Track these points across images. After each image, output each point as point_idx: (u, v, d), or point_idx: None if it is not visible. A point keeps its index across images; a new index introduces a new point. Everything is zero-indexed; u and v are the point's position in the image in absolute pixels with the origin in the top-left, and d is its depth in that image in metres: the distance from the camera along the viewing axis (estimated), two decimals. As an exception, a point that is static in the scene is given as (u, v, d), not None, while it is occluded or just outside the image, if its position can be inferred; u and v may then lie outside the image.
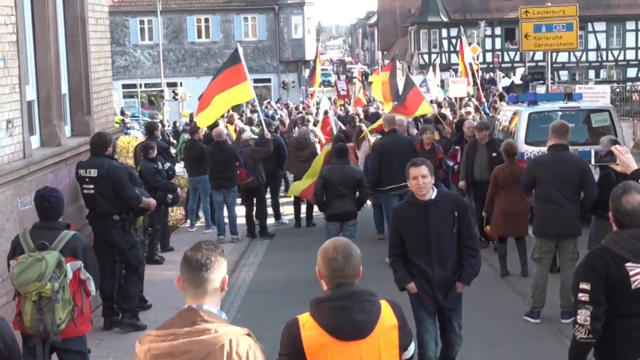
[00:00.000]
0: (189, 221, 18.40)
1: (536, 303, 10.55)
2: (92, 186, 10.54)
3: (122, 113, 38.90)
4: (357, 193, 13.32)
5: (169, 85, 51.99)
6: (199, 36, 59.99)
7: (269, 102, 42.59)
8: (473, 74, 31.27)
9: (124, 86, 55.78)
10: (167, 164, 14.92)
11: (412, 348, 4.73)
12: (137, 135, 29.45)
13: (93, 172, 10.53)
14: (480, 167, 14.52)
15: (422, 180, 7.56)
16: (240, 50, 17.29)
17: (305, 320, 4.52)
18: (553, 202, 10.32)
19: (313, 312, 4.53)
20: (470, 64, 30.92)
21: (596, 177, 10.44)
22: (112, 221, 10.63)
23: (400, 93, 23.21)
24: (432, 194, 7.69)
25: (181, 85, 53.47)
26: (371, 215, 16.23)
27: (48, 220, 7.66)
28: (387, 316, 4.55)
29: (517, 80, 46.10)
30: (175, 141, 27.58)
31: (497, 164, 13.12)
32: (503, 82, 47.90)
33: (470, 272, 7.88)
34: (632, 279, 5.22)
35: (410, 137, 16.41)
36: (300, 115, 29.01)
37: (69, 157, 11.08)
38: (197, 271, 4.18)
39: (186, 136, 20.97)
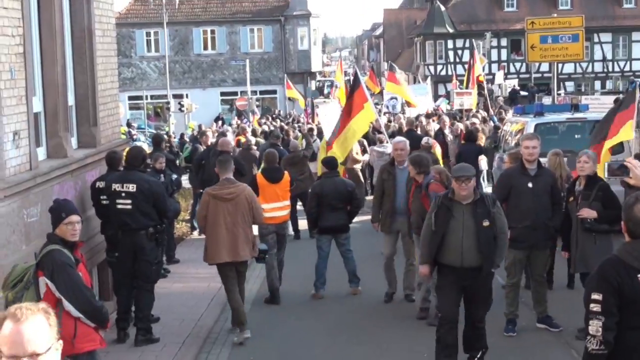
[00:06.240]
0: (195, 232, 18.39)
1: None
2: (129, 201, 10.50)
3: (129, 125, 39.01)
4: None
5: (175, 97, 52.01)
6: (205, 48, 60.11)
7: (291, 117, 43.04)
8: (479, 86, 31.31)
9: (130, 98, 55.93)
10: (174, 176, 14.94)
11: None
12: (143, 147, 29.44)
13: (131, 187, 10.51)
14: (461, 244, 8.92)
15: None
16: (359, 73, 17.40)
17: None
18: None
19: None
20: (478, 76, 30.93)
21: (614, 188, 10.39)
22: (147, 234, 10.62)
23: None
24: None
25: (187, 97, 53.44)
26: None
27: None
28: None
29: (499, 80, 45.84)
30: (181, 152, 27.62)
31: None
32: (497, 77, 47.51)
33: None
34: (644, 291, 5.17)
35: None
36: (309, 126, 28.92)
37: (75, 169, 11.07)
38: (225, 164, 11.16)
39: (188, 145, 21.06)
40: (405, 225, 12.03)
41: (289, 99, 56.79)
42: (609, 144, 13.17)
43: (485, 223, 8.87)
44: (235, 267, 11.11)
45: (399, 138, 14.09)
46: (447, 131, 22.69)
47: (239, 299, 11.13)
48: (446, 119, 25.39)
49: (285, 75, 49.68)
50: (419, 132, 21.80)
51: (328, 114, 20.31)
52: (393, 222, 12.41)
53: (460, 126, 23.15)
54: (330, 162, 13.71)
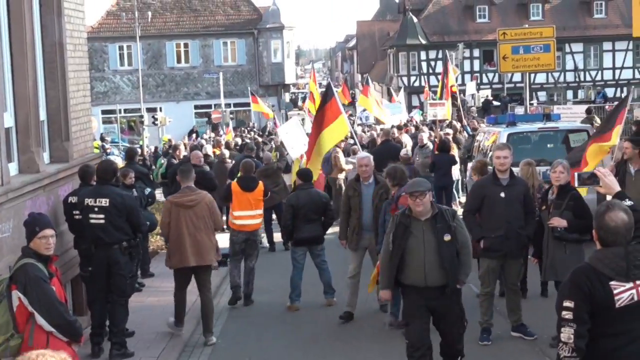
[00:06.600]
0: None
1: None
2: (102, 216, 10.45)
3: (102, 139, 38.79)
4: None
5: (149, 110, 51.75)
6: (179, 61, 59.97)
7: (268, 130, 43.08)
8: (453, 96, 31.40)
9: (104, 112, 55.67)
10: (148, 190, 14.87)
11: None
12: (116, 161, 29.30)
13: (104, 202, 10.47)
14: (423, 262, 8.52)
15: None
16: (332, 86, 17.02)
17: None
18: None
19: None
20: (451, 87, 31.03)
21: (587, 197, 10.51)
22: (121, 248, 10.58)
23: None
24: None
25: (161, 110, 53.30)
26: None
27: None
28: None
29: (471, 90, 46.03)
30: (154, 166, 27.58)
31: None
32: (469, 87, 47.68)
33: None
34: (616, 298, 5.19)
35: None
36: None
37: (48, 184, 11.01)
38: (186, 173, 11.55)
39: (162, 160, 21.03)
40: (372, 241, 11.98)
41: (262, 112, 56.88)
42: (592, 154, 13.26)
43: (447, 237, 8.49)
44: (196, 273, 11.56)
45: (362, 154, 13.76)
46: (426, 142, 22.63)
47: (185, 298, 11.82)
48: (426, 129, 25.44)
49: (249, 88, 49.50)
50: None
51: (289, 131, 20.32)
52: (360, 239, 12.26)
53: (425, 136, 23.19)
54: (304, 174, 13.71)
